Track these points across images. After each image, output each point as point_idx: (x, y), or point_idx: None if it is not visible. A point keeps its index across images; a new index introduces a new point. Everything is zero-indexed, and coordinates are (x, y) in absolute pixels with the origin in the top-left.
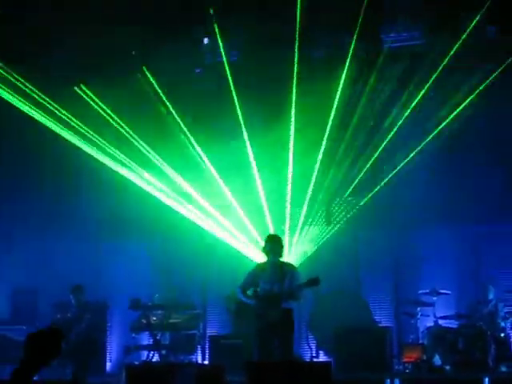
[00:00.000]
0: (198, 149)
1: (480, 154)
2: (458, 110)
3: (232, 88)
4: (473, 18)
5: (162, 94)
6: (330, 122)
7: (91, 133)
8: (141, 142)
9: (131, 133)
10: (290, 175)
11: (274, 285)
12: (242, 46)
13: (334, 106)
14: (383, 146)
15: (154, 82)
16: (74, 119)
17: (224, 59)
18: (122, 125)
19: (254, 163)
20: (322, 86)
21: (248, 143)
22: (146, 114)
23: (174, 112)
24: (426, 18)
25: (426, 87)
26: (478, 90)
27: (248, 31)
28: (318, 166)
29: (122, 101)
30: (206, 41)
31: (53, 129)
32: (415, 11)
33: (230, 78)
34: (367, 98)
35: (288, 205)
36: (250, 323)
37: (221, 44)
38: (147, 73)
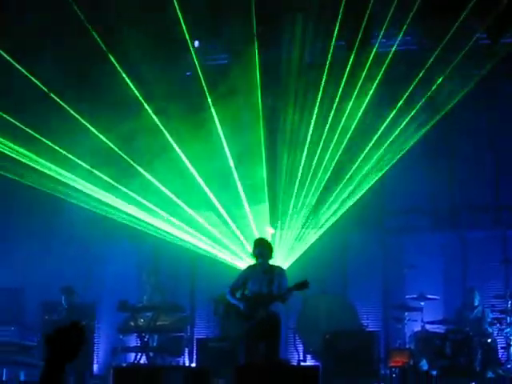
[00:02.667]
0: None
1: (469, 159)
2: (444, 111)
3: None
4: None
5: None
6: (314, 124)
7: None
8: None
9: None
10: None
11: (263, 287)
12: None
13: (316, 109)
14: (370, 148)
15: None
16: None
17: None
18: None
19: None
20: (312, 89)
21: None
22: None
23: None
24: (419, 23)
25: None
26: (462, 94)
27: (238, 34)
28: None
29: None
30: (196, 44)
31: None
32: (407, 15)
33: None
34: (356, 102)
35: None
36: (238, 326)
37: None
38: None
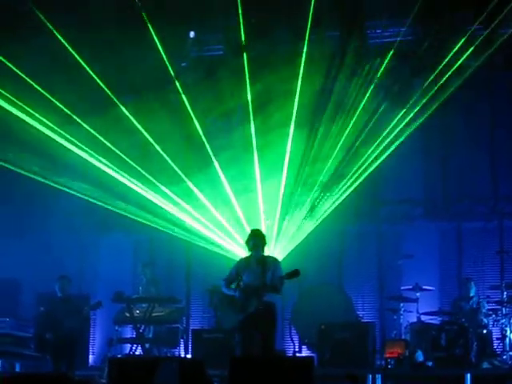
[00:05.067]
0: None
1: (465, 149)
2: (440, 100)
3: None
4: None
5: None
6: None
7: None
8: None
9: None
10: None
11: (257, 279)
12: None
13: (309, 98)
14: (366, 138)
15: None
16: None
17: None
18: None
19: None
20: (307, 80)
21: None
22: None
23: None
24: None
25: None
26: (458, 83)
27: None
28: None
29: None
30: (192, 34)
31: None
32: (402, 6)
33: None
34: (352, 91)
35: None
36: (232, 317)
37: None
38: None
